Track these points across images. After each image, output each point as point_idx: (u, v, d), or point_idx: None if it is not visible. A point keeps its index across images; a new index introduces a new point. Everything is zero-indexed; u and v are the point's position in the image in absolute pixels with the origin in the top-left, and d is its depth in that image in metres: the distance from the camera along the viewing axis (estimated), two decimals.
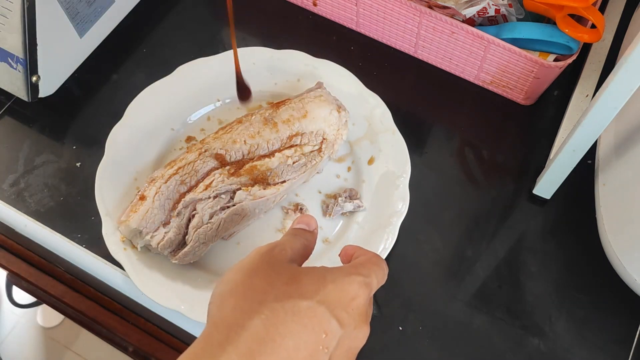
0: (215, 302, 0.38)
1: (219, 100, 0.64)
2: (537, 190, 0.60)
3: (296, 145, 0.58)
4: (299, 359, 0.35)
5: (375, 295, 0.56)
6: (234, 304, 0.37)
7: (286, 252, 0.40)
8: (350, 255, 0.43)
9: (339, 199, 0.58)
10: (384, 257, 0.55)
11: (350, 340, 0.38)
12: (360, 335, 0.38)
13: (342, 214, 0.59)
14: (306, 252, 0.43)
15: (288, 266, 0.39)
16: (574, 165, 0.55)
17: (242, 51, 0.66)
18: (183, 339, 0.68)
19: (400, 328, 0.55)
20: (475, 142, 0.65)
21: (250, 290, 0.37)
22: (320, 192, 0.60)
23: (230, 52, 0.65)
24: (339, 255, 0.44)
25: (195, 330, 0.56)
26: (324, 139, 0.58)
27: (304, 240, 0.43)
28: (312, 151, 0.58)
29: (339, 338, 0.37)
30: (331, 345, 0.36)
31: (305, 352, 0.35)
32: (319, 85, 0.61)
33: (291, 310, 0.36)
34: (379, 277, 0.41)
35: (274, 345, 0.34)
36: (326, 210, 0.59)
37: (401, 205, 0.57)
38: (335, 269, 0.39)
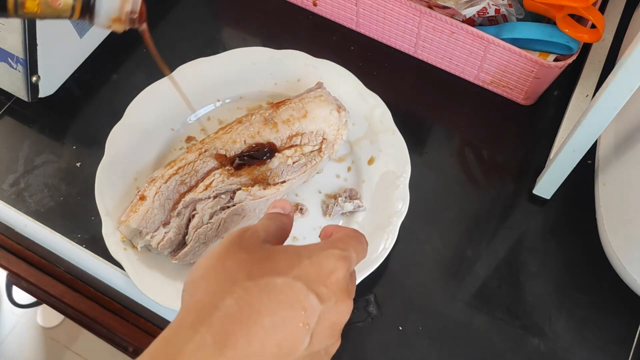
0: (187, 289, 0.37)
1: (219, 100, 0.64)
2: (537, 190, 0.60)
3: (296, 145, 0.58)
4: (279, 338, 0.34)
5: (375, 295, 0.56)
6: (206, 287, 0.35)
7: (259, 234, 0.39)
8: (329, 234, 0.42)
9: (339, 199, 0.58)
10: (383, 257, 0.55)
11: (332, 315, 0.36)
12: (342, 309, 0.37)
13: (342, 214, 0.59)
14: (282, 235, 0.41)
15: (261, 246, 0.38)
16: (574, 165, 0.55)
17: (242, 51, 0.66)
18: None
19: (400, 328, 0.55)
20: (475, 142, 0.65)
21: (222, 273, 0.36)
22: (320, 192, 0.60)
23: (231, 52, 0.65)
24: (319, 235, 0.43)
25: None
26: (324, 139, 0.58)
27: (279, 223, 0.41)
28: (312, 151, 0.58)
29: (319, 314, 0.35)
30: (312, 322, 0.35)
31: (284, 330, 0.34)
32: (319, 85, 0.61)
33: (266, 288, 0.34)
34: (358, 251, 0.40)
35: (250, 324, 0.33)
36: (326, 210, 0.59)
37: (401, 205, 0.57)
38: (310, 245, 0.38)
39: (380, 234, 0.56)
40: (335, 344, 0.38)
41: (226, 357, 0.33)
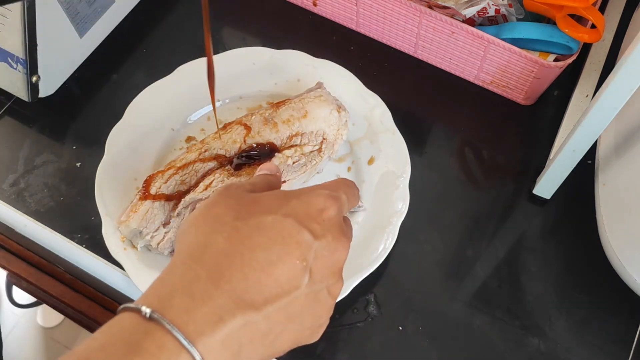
0: (178, 239, 0.37)
1: (219, 100, 0.64)
2: (537, 190, 0.60)
3: (296, 145, 0.58)
4: (276, 273, 0.33)
5: (375, 295, 0.56)
6: (195, 231, 0.36)
7: (244, 186, 0.39)
8: None
9: None
10: (383, 257, 0.55)
11: (330, 252, 0.36)
12: (339, 247, 0.37)
13: None
14: (269, 189, 0.41)
15: (247, 194, 0.38)
16: (574, 165, 0.55)
17: (242, 51, 0.66)
18: None
19: (400, 328, 0.55)
20: (475, 142, 0.65)
21: (210, 218, 0.36)
22: None
23: (231, 52, 0.65)
24: None
25: None
26: (324, 139, 0.58)
27: (266, 181, 0.42)
28: (312, 151, 0.58)
29: (315, 250, 0.35)
30: (309, 258, 0.35)
31: (281, 265, 0.34)
32: (319, 85, 0.61)
33: (256, 226, 0.35)
34: (349, 195, 0.40)
35: (243, 259, 0.33)
36: None
37: (401, 205, 0.57)
38: (298, 189, 0.38)
39: (380, 234, 0.56)
40: (336, 284, 0.37)
41: (223, 289, 0.32)
